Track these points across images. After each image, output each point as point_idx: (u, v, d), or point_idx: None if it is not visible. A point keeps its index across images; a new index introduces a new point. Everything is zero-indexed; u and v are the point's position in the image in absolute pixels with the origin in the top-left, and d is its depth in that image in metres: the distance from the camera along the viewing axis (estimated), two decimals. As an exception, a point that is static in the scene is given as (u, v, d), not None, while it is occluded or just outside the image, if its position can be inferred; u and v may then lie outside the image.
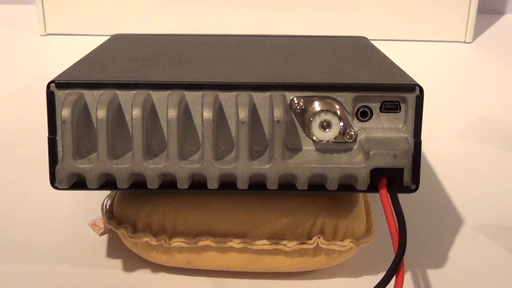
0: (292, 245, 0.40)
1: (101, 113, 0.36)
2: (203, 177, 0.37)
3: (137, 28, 0.97)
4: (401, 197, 0.50)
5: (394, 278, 0.34)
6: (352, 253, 0.41)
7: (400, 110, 0.37)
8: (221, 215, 0.40)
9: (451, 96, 0.77)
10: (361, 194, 0.43)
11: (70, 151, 0.36)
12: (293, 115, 0.37)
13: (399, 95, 0.37)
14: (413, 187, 0.37)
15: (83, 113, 0.37)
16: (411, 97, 0.37)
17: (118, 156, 0.37)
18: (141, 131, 0.36)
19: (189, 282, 0.42)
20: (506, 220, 0.50)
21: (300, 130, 0.38)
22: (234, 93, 0.37)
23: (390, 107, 0.37)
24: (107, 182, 0.37)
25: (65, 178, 0.36)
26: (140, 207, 0.41)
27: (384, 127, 0.38)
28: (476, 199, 0.53)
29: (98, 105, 0.36)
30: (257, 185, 0.37)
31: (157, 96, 0.37)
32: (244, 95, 0.37)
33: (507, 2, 1.13)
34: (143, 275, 0.42)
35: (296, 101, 0.37)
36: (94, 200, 0.50)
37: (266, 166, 0.36)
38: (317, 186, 0.38)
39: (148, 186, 0.37)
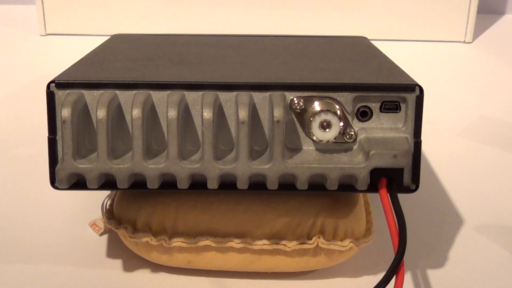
0: (292, 245, 0.40)
1: (101, 113, 0.36)
2: (203, 177, 0.37)
3: (137, 28, 0.97)
4: (401, 197, 0.50)
5: (394, 278, 0.34)
6: (352, 253, 0.41)
7: (400, 110, 0.37)
8: (221, 215, 0.40)
9: (451, 96, 0.77)
10: (361, 194, 0.43)
11: (70, 151, 0.36)
12: (293, 115, 0.37)
13: (399, 95, 0.37)
14: (413, 187, 0.37)
15: (83, 113, 0.37)
16: (411, 97, 0.37)
17: (118, 156, 0.37)
18: (141, 131, 0.36)
19: (189, 282, 0.42)
20: (506, 220, 0.50)
21: (300, 130, 0.38)
22: (234, 93, 0.37)
23: (390, 107, 0.37)
24: (107, 182, 0.37)
25: (65, 178, 0.36)
26: (140, 207, 0.41)
27: (384, 127, 0.38)
28: (476, 199, 0.53)
29: (98, 105, 0.36)
30: (257, 185, 0.37)
31: (157, 96, 0.37)
32: (244, 95, 0.37)
33: (507, 2, 1.13)
34: (143, 275, 0.42)
35: (296, 101, 0.37)
36: (94, 200, 0.50)
37: (266, 166, 0.36)
38: (317, 186, 0.38)
39: (148, 186, 0.37)
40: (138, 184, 0.37)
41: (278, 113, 0.36)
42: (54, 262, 0.43)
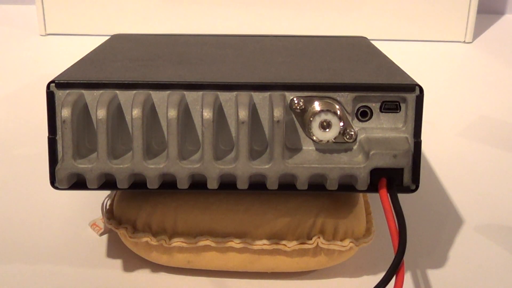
0: (292, 245, 0.40)
1: (101, 113, 0.36)
2: (203, 177, 0.37)
3: (137, 28, 0.97)
4: (401, 197, 0.50)
5: (394, 278, 0.34)
6: (352, 253, 0.41)
7: (400, 110, 0.37)
8: (221, 215, 0.40)
9: (451, 96, 0.77)
10: (361, 194, 0.43)
11: (70, 151, 0.36)
12: (293, 115, 0.37)
13: (399, 95, 0.37)
14: (413, 187, 0.37)
15: (83, 113, 0.37)
16: (411, 97, 0.37)
17: (118, 156, 0.37)
18: (141, 131, 0.36)
19: (189, 282, 0.42)
20: (506, 220, 0.50)
21: (300, 130, 0.38)
22: (234, 93, 0.37)
23: (390, 107, 0.37)
24: (107, 182, 0.37)
25: (65, 178, 0.36)
26: (140, 207, 0.41)
27: (384, 127, 0.38)
28: (476, 199, 0.53)
29: (98, 105, 0.36)
30: (257, 185, 0.37)
31: (157, 96, 0.37)
32: (244, 95, 0.37)
33: (507, 2, 1.13)
34: (143, 275, 0.42)
35: (296, 101, 0.37)
36: (94, 200, 0.50)
37: (266, 166, 0.36)
38: (317, 186, 0.38)
39: (148, 186, 0.37)
40: (138, 184, 0.37)
41: (278, 113, 0.36)
42: (54, 262, 0.43)
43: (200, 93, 0.37)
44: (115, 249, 0.45)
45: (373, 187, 0.37)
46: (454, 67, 0.88)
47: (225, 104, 0.37)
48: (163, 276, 0.42)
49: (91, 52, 0.46)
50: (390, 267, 0.34)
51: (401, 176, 0.37)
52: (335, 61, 0.44)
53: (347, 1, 0.96)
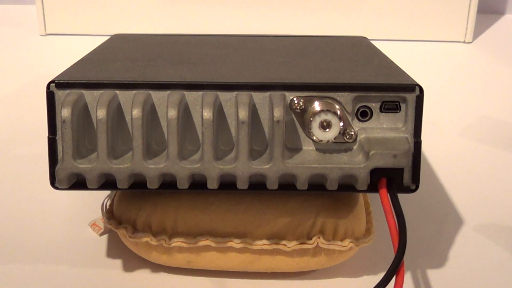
0: (292, 245, 0.40)
1: (101, 113, 0.36)
2: (203, 177, 0.37)
3: (137, 28, 0.97)
4: (401, 197, 0.50)
5: (394, 278, 0.34)
6: (352, 253, 0.41)
7: (400, 110, 0.37)
8: (221, 215, 0.40)
9: (451, 96, 0.77)
10: (361, 194, 0.43)
11: (70, 151, 0.36)
12: (293, 115, 0.37)
13: (399, 95, 0.37)
14: (413, 187, 0.37)
15: (83, 113, 0.37)
16: (411, 97, 0.37)
17: (118, 156, 0.37)
18: (141, 131, 0.36)
19: (189, 282, 0.42)
20: (506, 220, 0.50)
21: (300, 130, 0.38)
22: (234, 93, 0.37)
23: (390, 107, 0.37)
24: (107, 182, 0.37)
25: (65, 178, 0.36)
26: (140, 207, 0.41)
27: (384, 127, 0.38)
28: (476, 199, 0.53)
29: (98, 105, 0.36)
30: (257, 185, 0.37)
31: (157, 96, 0.37)
32: (244, 95, 0.37)
33: (507, 2, 1.13)
34: (143, 275, 0.42)
35: (296, 101, 0.37)
36: (94, 200, 0.50)
37: (266, 166, 0.36)
38: (317, 186, 0.38)
39: (148, 186, 0.37)
40: (138, 184, 0.37)
41: (278, 113, 0.36)
42: (54, 262, 0.43)
43: (200, 93, 0.37)
44: (115, 249, 0.45)
45: (373, 187, 0.37)
46: (454, 67, 0.88)
47: (225, 104, 0.37)
48: (163, 276, 0.42)
49: (91, 52, 0.46)
50: (390, 267, 0.34)
51: (401, 176, 0.37)
52: (335, 61, 0.44)
53: (347, 1, 0.96)
